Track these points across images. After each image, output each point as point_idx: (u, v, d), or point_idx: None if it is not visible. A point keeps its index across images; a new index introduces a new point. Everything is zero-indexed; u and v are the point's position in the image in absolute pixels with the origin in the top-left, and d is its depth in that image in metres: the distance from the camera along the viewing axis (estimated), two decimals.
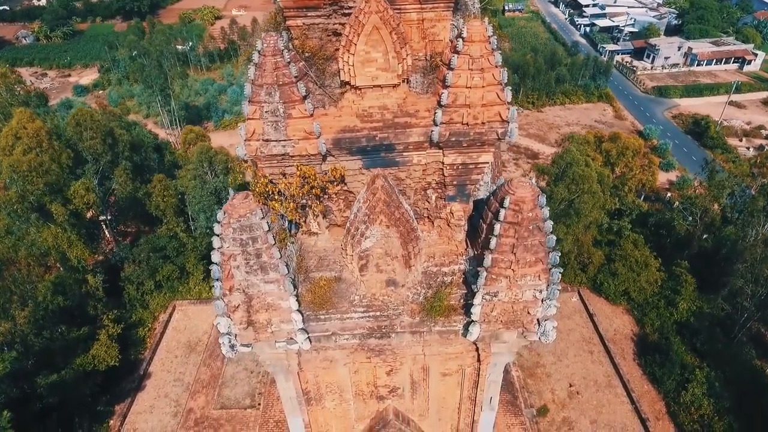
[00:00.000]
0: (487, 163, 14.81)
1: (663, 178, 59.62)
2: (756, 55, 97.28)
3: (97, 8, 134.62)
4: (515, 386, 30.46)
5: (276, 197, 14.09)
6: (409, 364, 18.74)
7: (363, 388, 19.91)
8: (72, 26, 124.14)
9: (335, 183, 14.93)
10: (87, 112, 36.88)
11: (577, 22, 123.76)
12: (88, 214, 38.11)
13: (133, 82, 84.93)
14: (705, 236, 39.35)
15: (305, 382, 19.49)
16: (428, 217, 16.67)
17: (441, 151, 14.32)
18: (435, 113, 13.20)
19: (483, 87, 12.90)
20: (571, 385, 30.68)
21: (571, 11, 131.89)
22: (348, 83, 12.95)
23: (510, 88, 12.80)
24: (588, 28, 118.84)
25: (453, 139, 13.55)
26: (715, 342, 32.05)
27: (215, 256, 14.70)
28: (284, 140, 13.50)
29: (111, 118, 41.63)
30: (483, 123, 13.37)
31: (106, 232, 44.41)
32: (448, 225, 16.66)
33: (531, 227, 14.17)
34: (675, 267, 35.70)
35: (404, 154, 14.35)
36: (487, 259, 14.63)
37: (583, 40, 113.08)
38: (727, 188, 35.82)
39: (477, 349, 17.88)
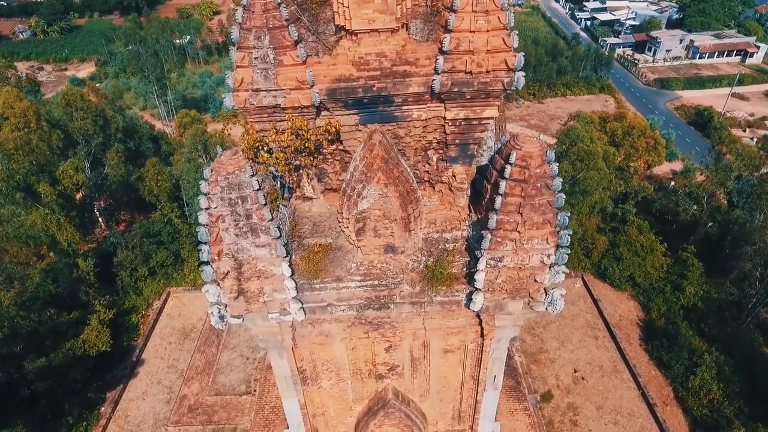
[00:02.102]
0: (492, 118, 13.92)
1: (666, 168, 58.88)
2: (758, 47, 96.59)
3: (95, 3, 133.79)
4: (518, 371, 29.65)
5: (266, 152, 13.23)
6: (409, 339, 17.86)
7: (361, 366, 19.02)
8: (69, 21, 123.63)
9: (330, 141, 14.08)
10: (77, 91, 36.00)
11: (577, 17, 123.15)
12: (78, 196, 37.13)
13: (129, 75, 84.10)
14: (710, 224, 38.51)
15: (300, 359, 18.60)
16: (429, 181, 15.79)
17: (443, 104, 13.46)
18: (436, 60, 12.32)
19: (488, 31, 12.04)
20: (575, 371, 29.83)
21: (572, 5, 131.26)
22: (343, 28, 12.10)
23: (517, 32, 11.91)
24: (589, 22, 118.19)
25: (455, 89, 12.68)
26: (723, 326, 31.19)
27: (202, 217, 13.83)
28: (275, 90, 12.64)
29: (104, 102, 40.76)
30: (488, 71, 12.50)
31: (100, 221, 43.57)
32: (450, 189, 15.78)
33: (539, 185, 13.31)
34: (681, 252, 34.84)
35: (403, 107, 13.48)
36: (492, 221, 13.77)
37: (584, 34, 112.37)
38: (734, 171, 34.97)
39: (480, 323, 17.02)
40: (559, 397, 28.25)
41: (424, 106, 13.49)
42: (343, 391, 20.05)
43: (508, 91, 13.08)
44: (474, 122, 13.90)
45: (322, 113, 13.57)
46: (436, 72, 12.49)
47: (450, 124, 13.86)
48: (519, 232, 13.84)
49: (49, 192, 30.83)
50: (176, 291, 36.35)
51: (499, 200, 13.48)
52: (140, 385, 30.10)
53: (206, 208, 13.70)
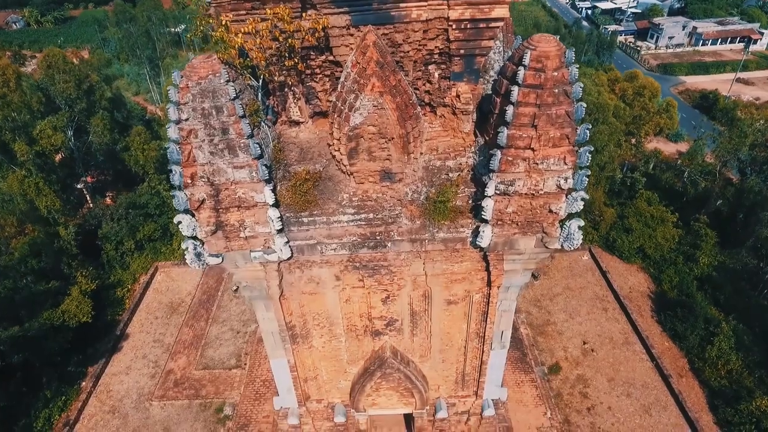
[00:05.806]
0: (501, 20, 12.28)
1: (672, 148, 57.62)
2: (762, 34, 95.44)
3: None
4: (524, 343, 28.08)
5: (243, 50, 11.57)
6: (409, 288, 16.15)
7: (356, 321, 17.33)
8: (64, 12, 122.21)
9: (318, 47, 12.43)
10: (59, 53, 34.33)
11: (578, 5, 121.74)
12: (57, 158, 35.31)
13: (123, 62, 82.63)
14: (719, 202, 36.97)
15: (289, 312, 16.91)
16: (430, 104, 14.10)
17: (446, 2, 11.86)
18: None
19: None
20: (585, 343, 28.21)
21: None
22: None
23: None
24: (590, 11, 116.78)
25: None
26: (740, 296, 29.60)
27: (172, 131, 12.21)
28: None
29: (90, 68, 39.11)
30: None
31: (88, 199, 41.94)
32: (454, 113, 14.09)
33: (556, 91, 11.63)
34: (694, 222, 33.30)
35: (401, 5, 11.80)
36: (502, 136, 12.10)
37: (585, 23, 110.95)
38: (749, 136, 33.44)
39: (487, 268, 15.37)
40: (568, 369, 26.65)
41: (425, 3, 11.86)
42: (336, 350, 18.37)
43: None
44: (481, 25, 12.23)
45: (309, 11, 11.96)
46: None
47: (454, 27, 12.19)
48: (533, 149, 12.17)
49: (25, 151, 29.08)
50: (164, 266, 34.68)
51: (510, 110, 11.82)
52: (124, 360, 28.44)
53: (176, 122, 12.05)
